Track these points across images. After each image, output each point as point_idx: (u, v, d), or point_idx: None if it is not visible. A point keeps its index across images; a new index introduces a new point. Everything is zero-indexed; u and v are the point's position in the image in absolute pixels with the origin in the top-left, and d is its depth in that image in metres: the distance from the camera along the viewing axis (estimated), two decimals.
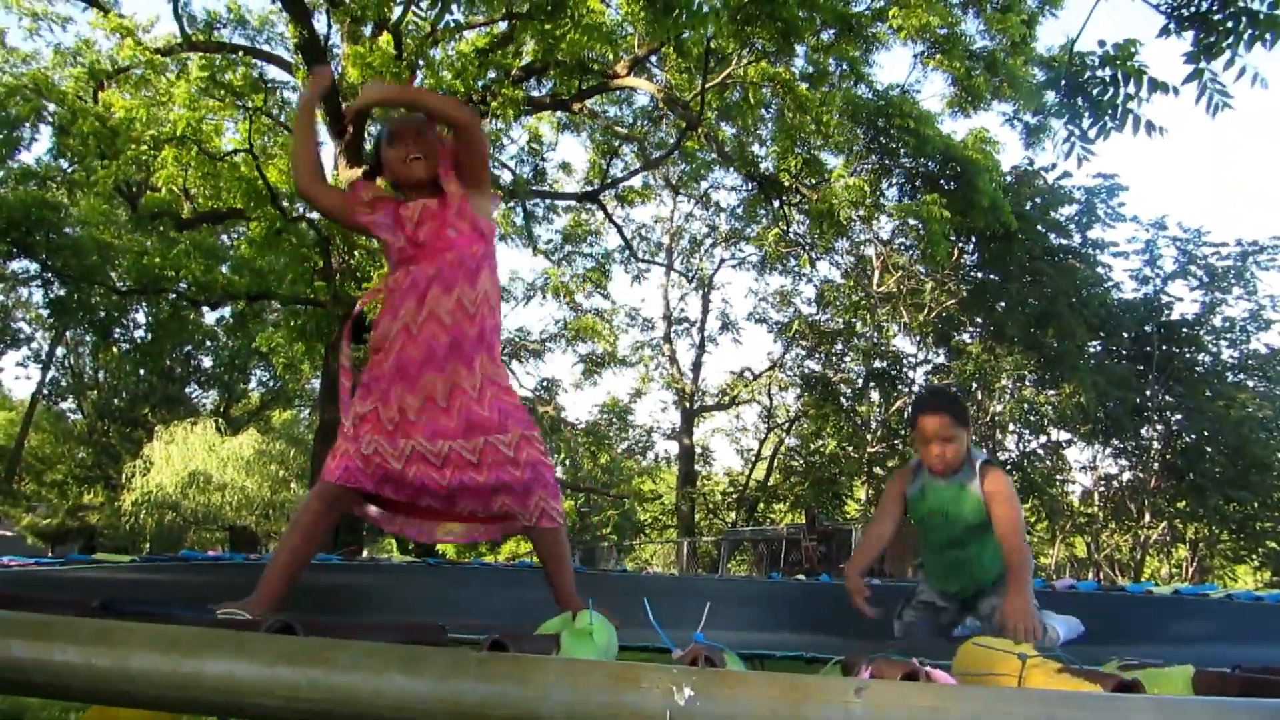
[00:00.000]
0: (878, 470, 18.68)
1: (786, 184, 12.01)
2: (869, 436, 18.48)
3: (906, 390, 19.10)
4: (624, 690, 0.93)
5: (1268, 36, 3.45)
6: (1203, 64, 3.68)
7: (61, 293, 13.13)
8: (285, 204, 11.70)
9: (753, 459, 23.90)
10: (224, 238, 15.90)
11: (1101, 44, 4.02)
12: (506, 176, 14.75)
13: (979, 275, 17.73)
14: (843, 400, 19.83)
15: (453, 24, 11.52)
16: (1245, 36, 3.51)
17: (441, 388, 2.28)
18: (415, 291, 2.31)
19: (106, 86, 11.84)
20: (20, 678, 1.07)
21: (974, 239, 16.28)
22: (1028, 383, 17.77)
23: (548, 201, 17.25)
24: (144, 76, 12.36)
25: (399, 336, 2.32)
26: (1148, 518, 17.30)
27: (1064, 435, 18.19)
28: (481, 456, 2.27)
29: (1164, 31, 3.91)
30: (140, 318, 17.74)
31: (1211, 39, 3.61)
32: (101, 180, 11.02)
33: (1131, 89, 3.94)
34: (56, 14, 13.16)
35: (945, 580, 3.11)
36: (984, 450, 3.07)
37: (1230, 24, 3.61)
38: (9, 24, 13.29)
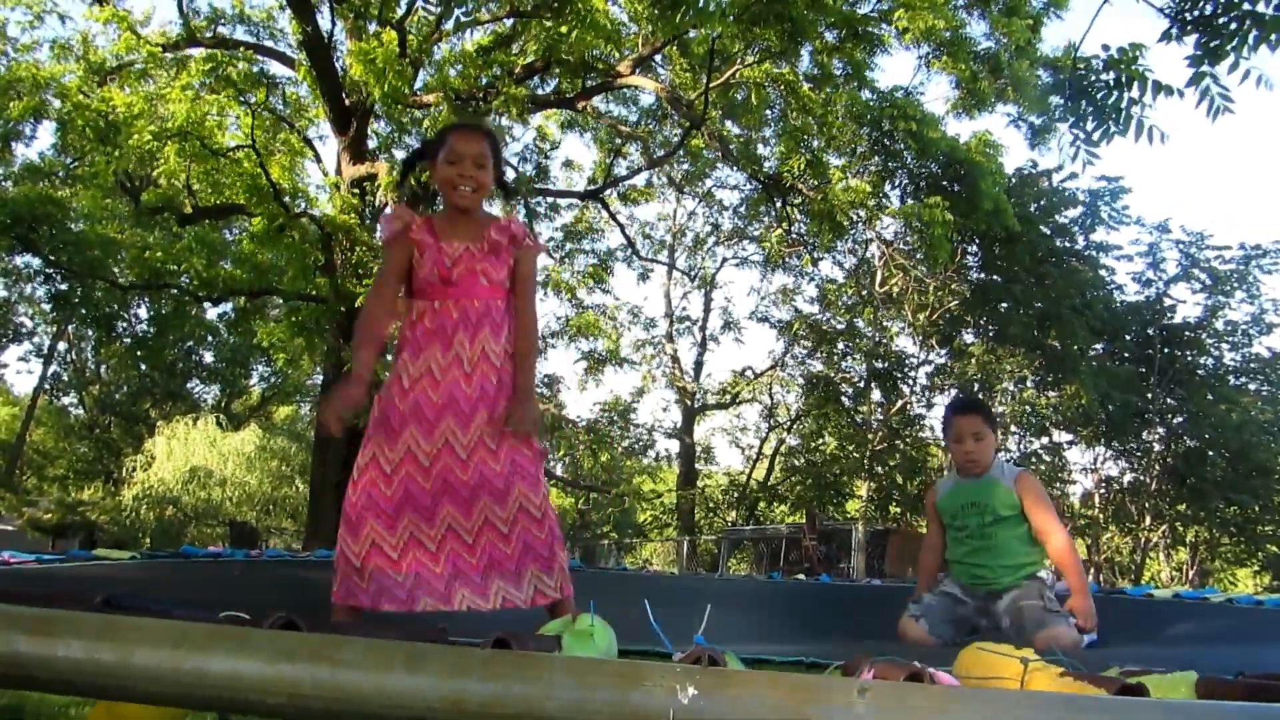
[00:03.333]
0: (879, 470, 18.68)
1: (789, 184, 12.01)
2: (870, 436, 18.47)
3: (908, 391, 19.10)
4: (628, 689, 0.93)
5: (1273, 38, 3.44)
6: (1205, 67, 3.67)
7: (64, 287, 13.15)
8: (287, 200, 11.70)
9: (753, 458, 23.90)
10: (226, 233, 15.90)
11: (1105, 48, 4.02)
12: (509, 174, 14.74)
13: (982, 276, 17.72)
14: (844, 400, 19.82)
15: (462, 17, 11.53)
16: (1250, 39, 3.51)
17: (462, 437, 2.26)
18: (442, 335, 2.31)
19: (108, 82, 11.85)
20: (24, 673, 1.07)
21: (977, 240, 16.27)
22: (1030, 384, 17.76)
23: (550, 199, 17.25)
24: (145, 71, 12.36)
25: (423, 379, 2.30)
26: (1148, 520, 17.29)
27: (1065, 437, 18.19)
28: (511, 524, 2.26)
29: (1165, 36, 3.91)
30: (142, 313, 17.79)
31: (1215, 43, 3.60)
32: (102, 171, 11.03)
33: (1135, 93, 3.94)
34: (58, 9, 13.16)
35: (968, 571, 3.20)
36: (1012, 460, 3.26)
37: (1234, 26, 3.61)
38: (8, 18, 13.11)
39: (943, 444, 19.85)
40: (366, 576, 2.22)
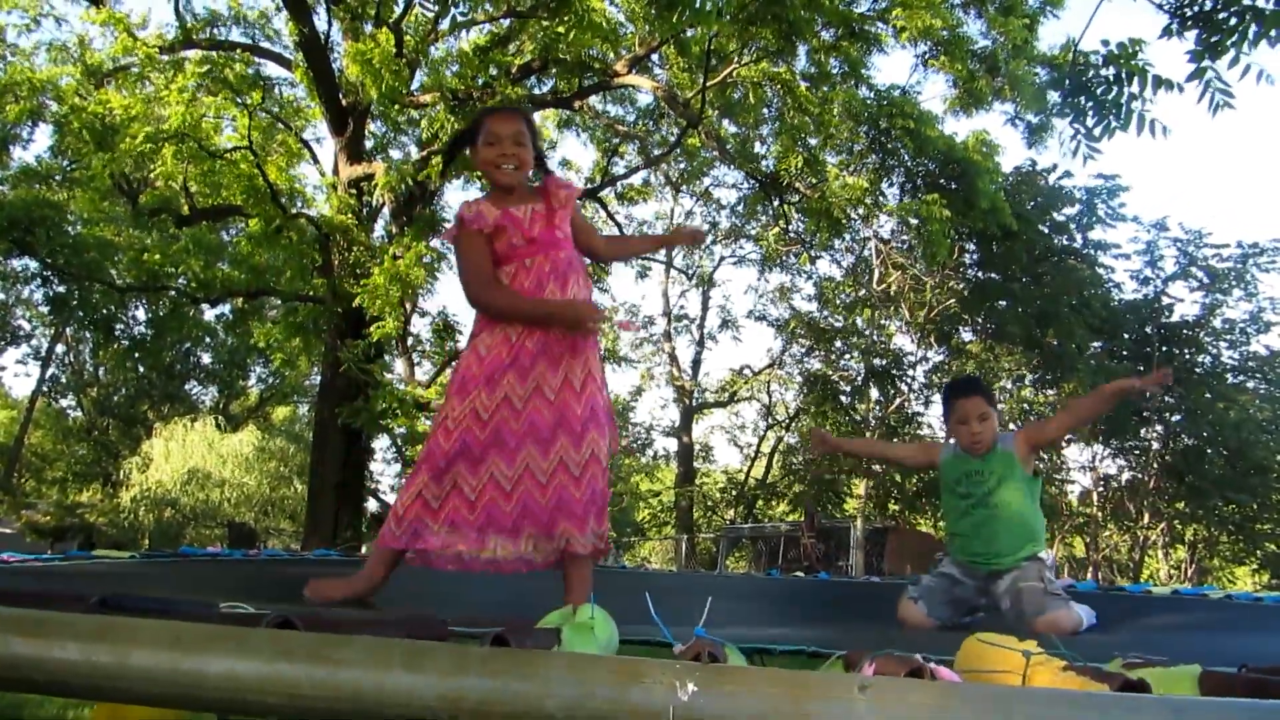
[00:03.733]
0: (876, 468, 18.69)
1: (786, 183, 12.00)
2: (868, 434, 18.48)
3: (906, 388, 19.11)
4: (627, 685, 0.92)
5: (1273, 33, 3.43)
6: (1206, 63, 3.67)
7: (61, 290, 13.13)
8: (284, 201, 11.69)
9: (752, 456, 23.91)
10: (224, 234, 15.89)
11: (1105, 43, 4.01)
12: None
13: (980, 274, 17.73)
14: (842, 398, 19.83)
15: (459, 17, 11.51)
16: (1250, 34, 3.50)
17: (552, 381, 2.36)
18: (538, 289, 2.40)
19: (105, 85, 11.84)
20: (20, 675, 1.06)
21: (975, 238, 16.29)
22: (1028, 382, 17.77)
23: None
24: (141, 73, 12.35)
25: (524, 332, 2.38)
26: (1146, 518, 17.31)
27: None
28: (584, 467, 2.32)
29: (1166, 32, 3.91)
30: (140, 314, 17.76)
31: (1215, 38, 3.60)
32: (99, 173, 11.01)
33: (1135, 88, 3.94)
34: (54, 12, 13.15)
35: (969, 546, 3.18)
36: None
37: (1234, 22, 3.60)
38: (6, 22, 13.06)
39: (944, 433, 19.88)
40: (441, 519, 2.34)
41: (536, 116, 14.84)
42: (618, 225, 17.88)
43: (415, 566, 2.45)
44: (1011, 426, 17.32)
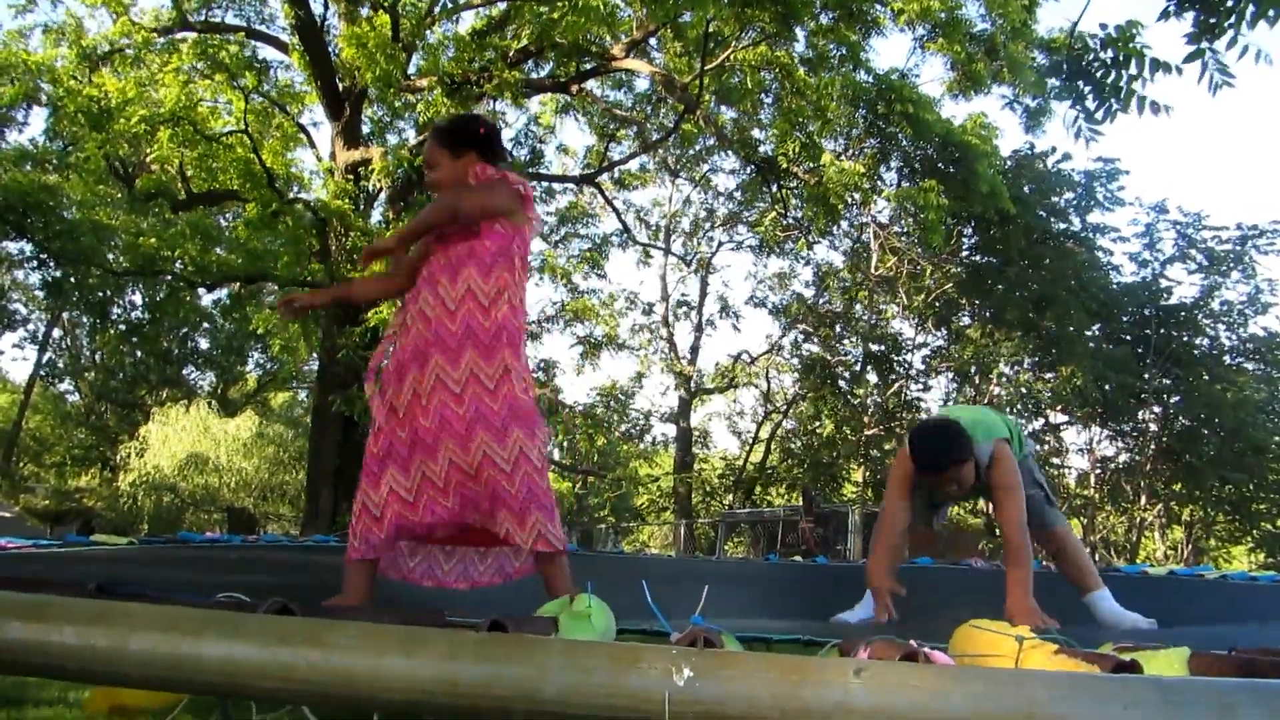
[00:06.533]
0: (874, 452, 18.71)
1: (784, 167, 11.96)
2: (866, 419, 18.50)
3: (904, 373, 19.12)
4: (623, 670, 0.93)
5: (1271, 13, 3.42)
6: (1204, 44, 3.66)
7: (58, 274, 13.10)
8: (281, 185, 11.65)
9: (750, 442, 23.94)
10: (220, 219, 15.83)
11: (1104, 26, 4.00)
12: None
13: (978, 258, 17.71)
14: (840, 383, 19.84)
15: (449, 4, 11.45)
16: (1247, 15, 3.49)
17: (448, 380, 2.30)
18: (428, 282, 2.38)
19: (100, 68, 11.77)
20: (17, 659, 1.07)
21: (973, 222, 16.26)
22: (1026, 366, 17.78)
23: (544, 184, 17.17)
24: (137, 56, 12.27)
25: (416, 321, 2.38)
26: (1144, 500, 17.36)
27: (1061, 418, 18.23)
28: (478, 468, 2.22)
29: (1164, 15, 3.90)
30: (137, 299, 17.73)
31: (1213, 19, 3.59)
32: (94, 156, 10.95)
33: (1134, 70, 3.93)
34: None
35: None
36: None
37: (1231, 3, 3.59)
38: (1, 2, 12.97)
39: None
40: (385, 523, 2.27)
41: (535, 102, 14.82)
42: (615, 211, 17.86)
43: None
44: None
